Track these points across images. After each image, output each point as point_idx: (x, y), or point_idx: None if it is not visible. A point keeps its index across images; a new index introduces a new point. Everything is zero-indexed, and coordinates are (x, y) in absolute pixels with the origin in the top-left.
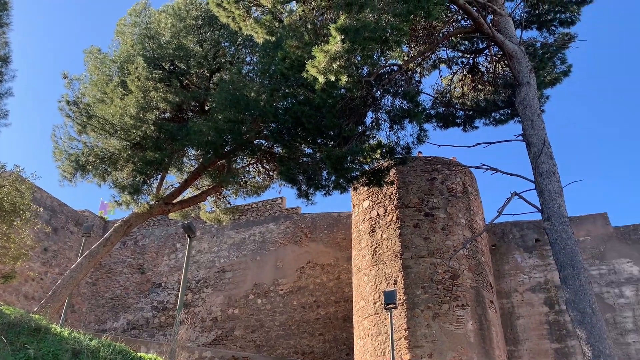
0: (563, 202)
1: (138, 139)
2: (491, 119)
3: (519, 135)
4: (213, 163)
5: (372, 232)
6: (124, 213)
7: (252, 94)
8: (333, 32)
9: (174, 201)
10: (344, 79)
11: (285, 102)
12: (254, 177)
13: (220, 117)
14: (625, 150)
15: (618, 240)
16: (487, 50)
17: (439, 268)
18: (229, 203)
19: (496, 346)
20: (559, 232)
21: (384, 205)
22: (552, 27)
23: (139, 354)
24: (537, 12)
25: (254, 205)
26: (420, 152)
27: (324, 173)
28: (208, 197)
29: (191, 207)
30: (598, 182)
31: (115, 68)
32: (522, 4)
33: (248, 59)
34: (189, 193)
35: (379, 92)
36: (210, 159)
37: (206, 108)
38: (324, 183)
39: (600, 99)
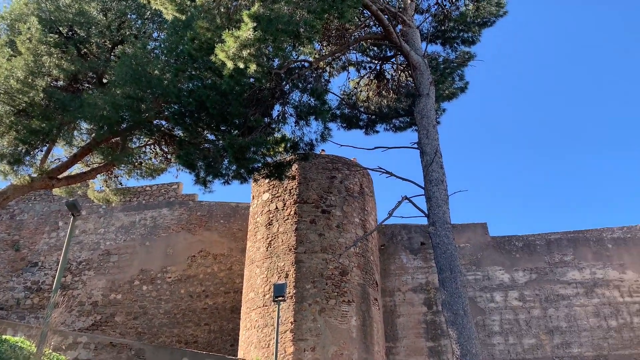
0: (448, 209)
1: (24, 105)
2: (391, 125)
3: (415, 143)
4: (107, 139)
5: (269, 225)
6: (2, 184)
7: (156, 71)
8: (245, 19)
9: (60, 176)
10: (253, 67)
11: (190, 84)
12: (151, 158)
13: (118, 92)
14: (508, 166)
15: (494, 249)
16: (394, 59)
17: (330, 264)
18: (121, 183)
19: (376, 342)
20: (442, 237)
21: (284, 199)
22: (455, 45)
23: (3, 337)
24: (442, 28)
25: (148, 188)
26: (323, 150)
27: (225, 161)
28: (98, 175)
29: (78, 184)
30: (481, 193)
31: (4, 25)
32: (429, 18)
33: (155, 34)
34: (77, 169)
35: (288, 86)
36: (103, 135)
37: (104, 81)
38: (223, 172)
39: (494, 115)
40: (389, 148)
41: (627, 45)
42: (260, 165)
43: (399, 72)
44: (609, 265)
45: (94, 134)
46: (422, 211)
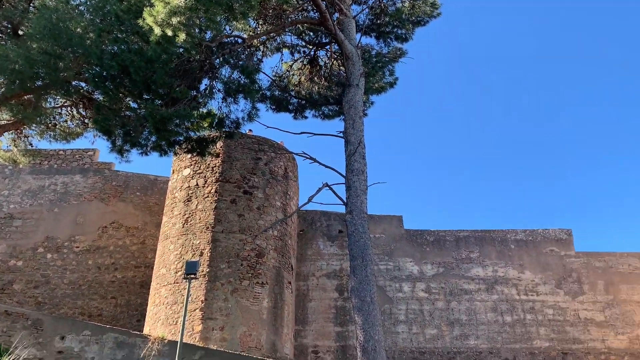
0: (366, 199)
1: None
2: (320, 113)
3: (341, 132)
4: (18, 96)
5: (188, 201)
6: None
7: (79, 29)
8: None
9: None
10: (182, 36)
11: (114, 47)
12: (66, 121)
13: (35, 46)
14: (426, 163)
15: (407, 242)
16: (329, 47)
17: (247, 245)
18: (31, 144)
19: (286, 324)
20: (357, 226)
21: (205, 177)
22: (389, 39)
23: None
24: (378, 21)
25: (62, 152)
26: (250, 130)
27: (145, 132)
28: (5, 134)
29: None
30: (400, 187)
31: None
32: (366, 10)
33: None
34: None
35: (218, 61)
36: (14, 91)
37: (20, 32)
38: (142, 142)
39: (416, 112)
40: (315, 134)
41: (549, 49)
42: (182, 139)
43: (332, 60)
44: (510, 265)
45: (3, 89)
46: (342, 199)
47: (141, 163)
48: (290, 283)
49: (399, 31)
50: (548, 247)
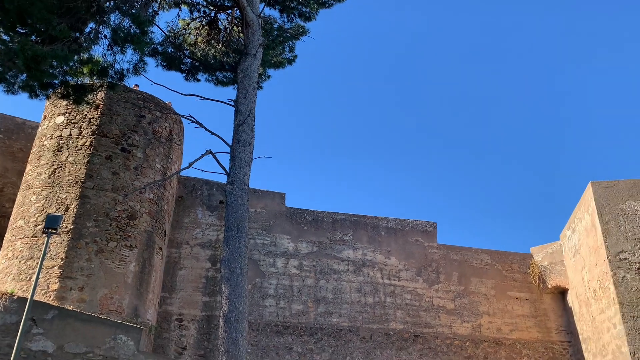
0: (249, 171)
1: None
2: (214, 78)
3: (232, 100)
4: None
5: (58, 151)
6: None
7: None
8: None
9: None
10: None
11: None
12: None
13: None
14: (313, 144)
15: (286, 219)
16: (230, 11)
17: (119, 205)
18: None
19: (151, 290)
20: (237, 197)
21: (81, 128)
22: (292, 15)
23: None
24: None
25: None
26: (137, 85)
27: (15, 69)
28: None
29: None
30: (284, 163)
31: None
32: None
33: None
34: None
35: (109, 4)
36: None
37: None
38: (10, 78)
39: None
40: (205, 99)
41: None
42: (57, 82)
43: (233, 25)
44: (379, 250)
45: None
46: (224, 169)
47: (9, 103)
48: (161, 249)
49: (304, 9)
50: (414, 237)
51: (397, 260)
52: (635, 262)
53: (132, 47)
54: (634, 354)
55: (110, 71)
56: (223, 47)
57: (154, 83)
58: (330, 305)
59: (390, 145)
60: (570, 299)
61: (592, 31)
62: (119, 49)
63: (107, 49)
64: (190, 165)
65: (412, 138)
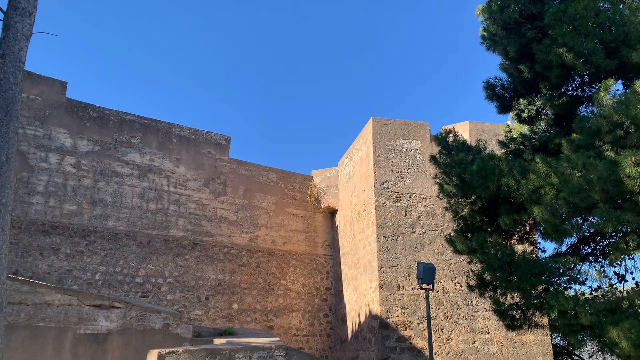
0: (26, 47)
1: None
2: None
3: None
4: None
5: None
6: None
7: None
8: None
9: None
10: None
11: None
12: None
13: None
14: (111, 29)
15: (65, 111)
16: None
17: None
18: None
19: None
20: (8, 75)
21: None
22: None
23: None
24: None
25: None
26: None
27: None
28: None
29: None
30: (67, 47)
31: None
32: None
33: None
34: None
35: None
36: None
37: None
38: None
39: None
40: None
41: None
42: None
43: None
44: (168, 157)
45: None
46: None
47: None
48: None
49: None
50: (207, 148)
51: (186, 170)
52: (394, 192)
53: None
54: (380, 268)
55: None
56: None
57: None
58: (108, 208)
59: (190, 55)
60: (338, 219)
61: None
62: None
63: None
64: None
65: (211, 52)
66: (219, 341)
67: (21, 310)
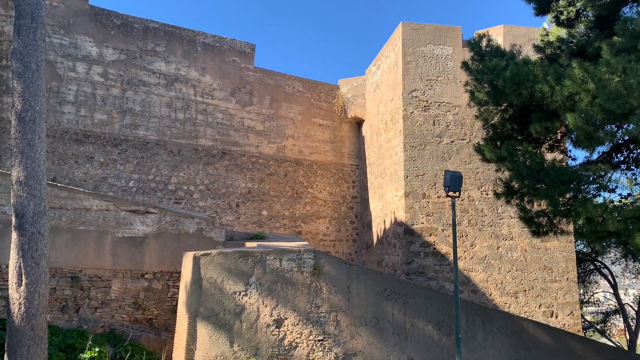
0: None
1: None
2: None
3: None
4: None
5: None
6: None
7: None
8: None
9: None
10: None
11: None
12: None
13: None
14: None
15: (89, 19)
16: None
17: None
18: None
19: None
20: None
21: None
22: None
23: None
24: None
25: None
26: None
27: None
28: None
29: None
30: None
31: None
32: None
33: None
34: None
35: None
36: None
37: None
38: None
39: None
40: None
41: None
42: None
43: None
44: (194, 66)
45: None
46: None
47: None
48: None
49: None
50: (231, 57)
51: (211, 79)
52: (423, 100)
53: None
54: (406, 177)
55: None
56: None
57: None
58: (137, 117)
59: None
60: (365, 129)
61: None
62: None
63: None
64: None
65: None
66: (250, 244)
67: (62, 214)
